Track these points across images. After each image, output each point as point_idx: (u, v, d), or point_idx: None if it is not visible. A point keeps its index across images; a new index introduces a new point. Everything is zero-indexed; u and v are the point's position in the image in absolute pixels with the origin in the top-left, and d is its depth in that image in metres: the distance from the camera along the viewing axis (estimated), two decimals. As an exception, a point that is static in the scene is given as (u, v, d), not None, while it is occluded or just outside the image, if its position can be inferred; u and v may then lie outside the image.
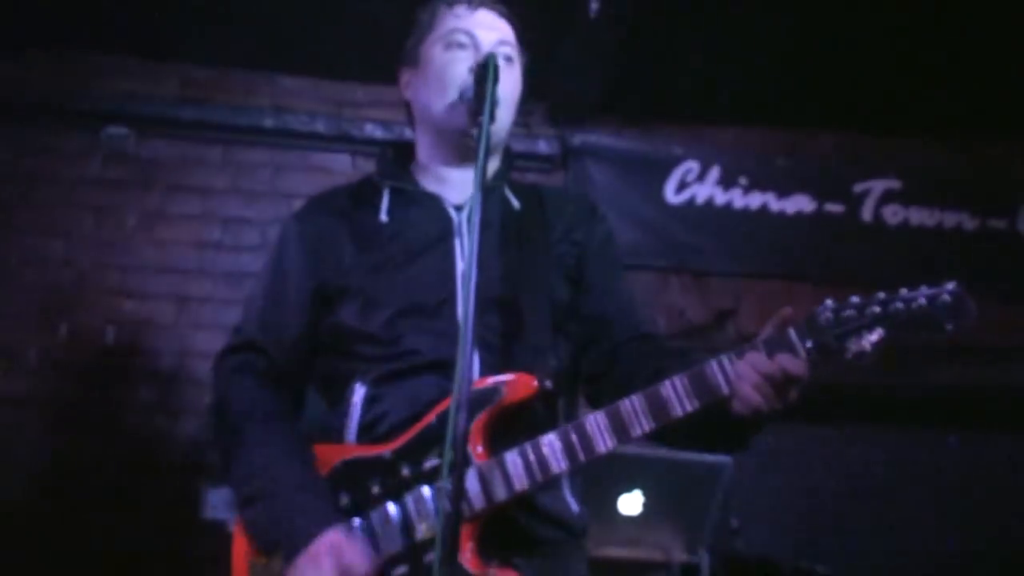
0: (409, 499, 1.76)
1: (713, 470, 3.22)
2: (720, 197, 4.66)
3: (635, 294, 2.07)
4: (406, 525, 1.75)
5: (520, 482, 1.71)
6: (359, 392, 1.87)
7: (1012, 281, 4.66)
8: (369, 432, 1.84)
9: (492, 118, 1.71)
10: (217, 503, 3.87)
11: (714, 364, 1.67)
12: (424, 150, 2.10)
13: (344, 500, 1.80)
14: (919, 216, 4.73)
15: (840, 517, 4.63)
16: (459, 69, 1.92)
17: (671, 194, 4.65)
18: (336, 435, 1.89)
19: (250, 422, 1.87)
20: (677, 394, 1.68)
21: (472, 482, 1.68)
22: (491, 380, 1.76)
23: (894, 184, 4.75)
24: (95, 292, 4.22)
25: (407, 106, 2.13)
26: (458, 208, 1.98)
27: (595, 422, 1.71)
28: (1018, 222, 4.78)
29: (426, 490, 1.75)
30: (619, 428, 1.70)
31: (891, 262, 4.41)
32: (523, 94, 2.09)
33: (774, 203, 4.69)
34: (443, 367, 1.79)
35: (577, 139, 4.59)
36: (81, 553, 3.89)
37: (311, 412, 2.04)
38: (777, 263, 4.60)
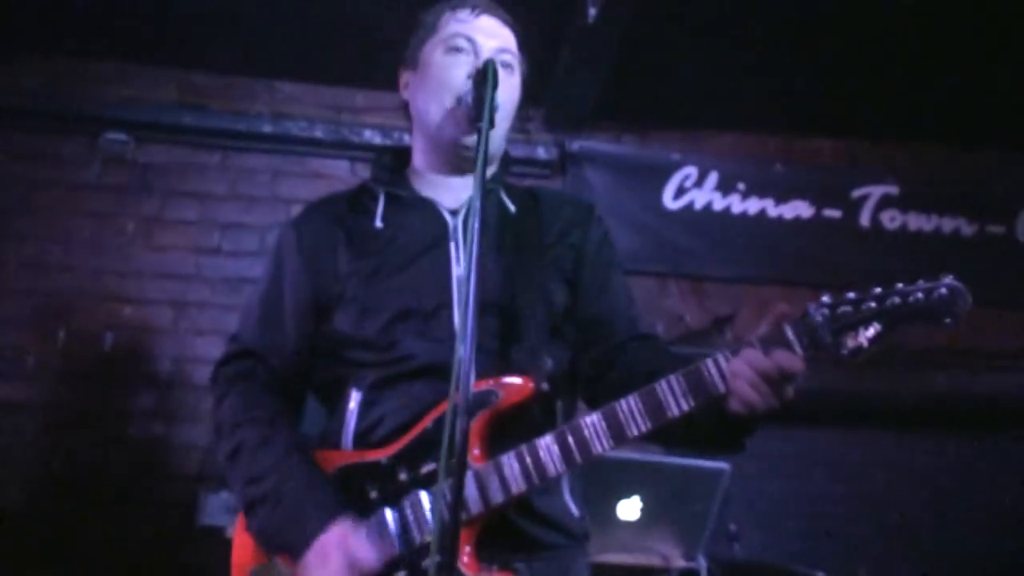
0: (406, 504, 1.76)
1: (712, 475, 3.21)
2: (718, 203, 4.67)
3: (633, 295, 2.06)
4: (404, 530, 1.74)
5: (517, 485, 1.70)
6: (355, 398, 1.88)
7: (1010, 286, 4.67)
8: (366, 438, 1.85)
9: (491, 124, 1.71)
10: (215, 509, 3.88)
11: (709, 362, 1.66)
12: (420, 153, 2.10)
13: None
14: (917, 221, 4.75)
15: (839, 522, 4.63)
16: (459, 74, 1.93)
17: (669, 200, 4.65)
18: (333, 441, 1.89)
19: (251, 427, 1.87)
20: (673, 394, 1.67)
21: (469, 486, 1.68)
22: (487, 383, 1.76)
23: (892, 189, 4.75)
24: (93, 297, 4.22)
25: (405, 108, 2.14)
26: (453, 213, 1.98)
27: (591, 423, 1.71)
28: (1016, 228, 4.79)
29: (423, 494, 1.75)
30: (615, 429, 1.70)
31: (889, 267, 4.41)
32: (521, 100, 2.09)
33: (772, 209, 4.69)
34: (439, 371, 1.79)
35: (575, 145, 4.60)
36: (79, 559, 3.88)
37: (309, 419, 2.05)
38: (776, 268, 4.60)
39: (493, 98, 1.72)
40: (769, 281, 4.52)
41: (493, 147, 1.86)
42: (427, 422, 1.79)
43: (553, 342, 1.91)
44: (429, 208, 2.00)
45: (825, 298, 1.65)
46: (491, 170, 2.06)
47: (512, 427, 1.77)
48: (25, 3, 3.96)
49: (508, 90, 1.98)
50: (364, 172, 4.36)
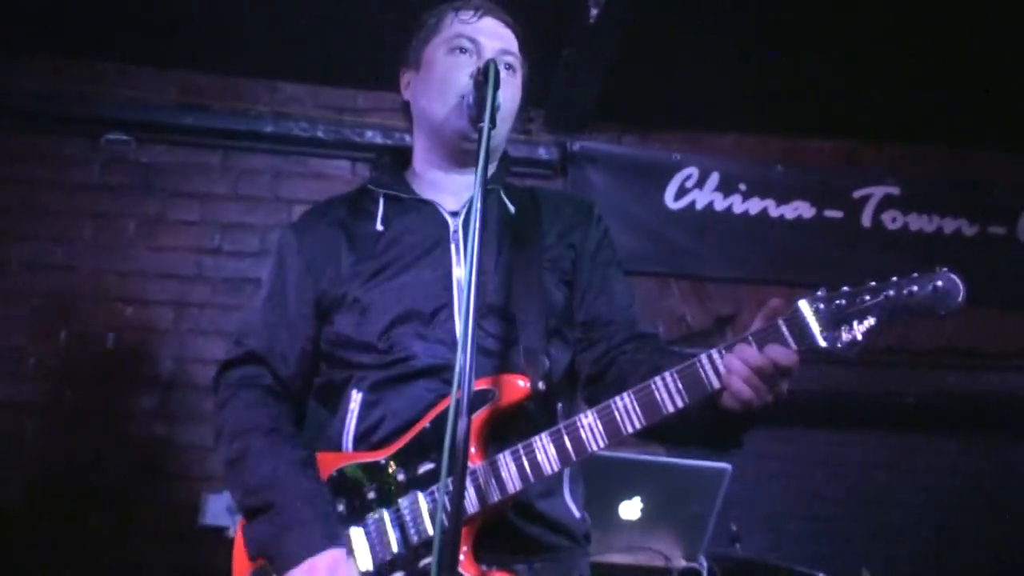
0: (404, 504, 1.76)
1: (713, 475, 3.21)
2: (720, 203, 4.67)
3: (632, 295, 2.07)
4: (402, 530, 1.75)
5: (513, 484, 1.71)
6: (356, 399, 1.89)
7: (1012, 288, 4.67)
8: (366, 439, 1.85)
9: (492, 124, 1.71)
10: (217, 509, 3.88)
11: (704, 359, 1.66)
12: (420, 154, 2.10)
13: (340, 507, 1.81)
14: (918, 222, 4.74)
15: (840, 523, 4.63)
16: (460, 74, 1.93)
17: (671, 200, 4.65)
18: (334, 443, 1.90)
19: (254, 436, 1.88)
20: (668, 391, 1.67)
21: (466, 485, 1.69)
22: (485, 383, 1.76)
23: (893, 190, 4.75)
24: (95, 298, 4.22)
25: (406, 108, 2.14)
26: (454, 214, 1.99)
27: (587, 421, 1.71)
28: (1017, 228, 4.79)
29: (421, 495, 1.75)
30: (611, 427, 1.70)
31: (890, 268, 4.40)
32: (523, 100, 2.10)
33: (773, 209, 4.69)
34: (439, 372, 1.81)
35: (576, 145, 4.59)
36: (79, 559, 3.88)
37: (311, 421, 2.05)
38: (777, 269, 4.60)
39: (495, 98, 1.72)
40: (770, 282, 4.51)
41: (494, 144, 1.88)
42: (425, 422, 1.79)
43: (553, 342, 1.92)
44: (430, 210, 2.01)
45: (820, 292, 1.64)
46: (491, 169, 2.06)
47: (510, 427, 1.77)
48: (26, 4, 3.96)
49: (510, 91, 1.99)
50: (365, 172, 4.36)
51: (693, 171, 4.66)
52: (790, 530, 4.56)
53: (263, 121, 4.45)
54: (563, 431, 1.72)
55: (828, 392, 4.39)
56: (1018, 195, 4.82)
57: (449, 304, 1.88)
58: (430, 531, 1.72)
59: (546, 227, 2.04)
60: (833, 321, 1.61)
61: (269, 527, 1.77)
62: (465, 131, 1.92)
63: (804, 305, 1.63)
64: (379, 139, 4.42)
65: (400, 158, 2.18)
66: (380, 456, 1.81)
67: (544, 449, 1.71)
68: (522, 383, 1.77)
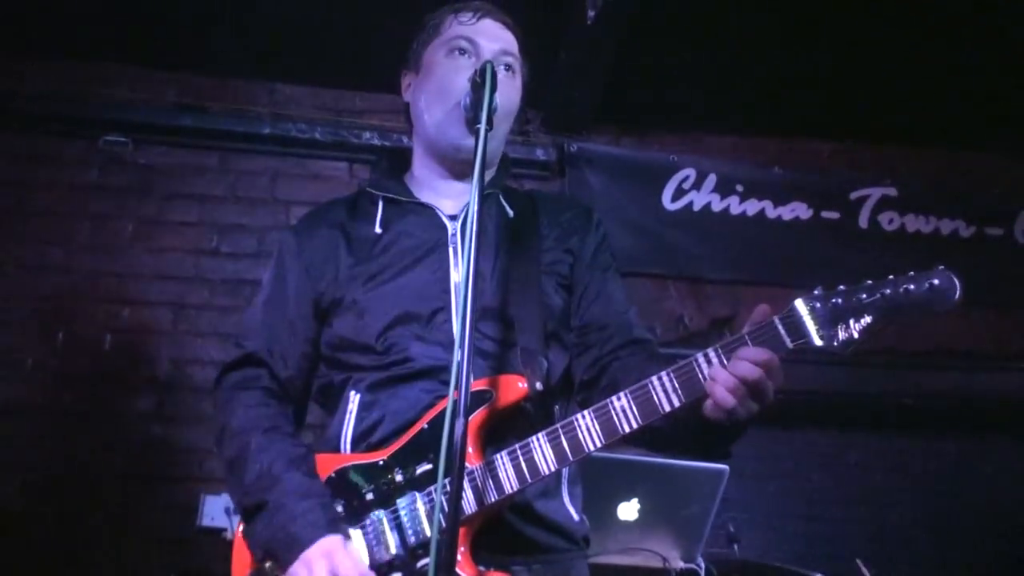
0: (402, 505, 1.76)
1: (711, 476, 3.21)
2: (717, 204, 4.67)
3: (629, 300, 2.07)
4: (400, 531, 1.75)
5: (510, 484, 1.71)
6: (354, 400, 1.89)
7: (1009, 289, 4.68)
8: (364, 440, 1.86)
9: (489, 125, 1.71)
10: (215, 510, 3.88)
11: (700, 358, 1.66)
12: (420, 157, 2.11)
13: (339, 508, 1.81)
14: (915, 223, 4.75)
15: (838, 524, 4.63)
16: (460, 76, 1.93)
17: (668, 201, 4.65)
18: (333, 444, 1.90)
19: (254, 436, 1.88)
20: (664, 390, 1.67)
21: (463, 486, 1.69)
22: (482, 383, 1.77)
23: (890, 191, 4.76)
24: (92, 299, 4.21)
25: (406, 110, 2.15)
26: (452, 218, 1.99)
27: (584, 421, 1.71)
28: (1014, 229, 4.80)
29: (419, 496, 1.76)
30: (607, 426, 1.69)
31: (887, 269, 4.40)
32: (521, 102, 2.10)
33: (771, 210, 4.70)
34: (436, 373, 1.81)
35: (574, 147, 4.60)
36: (79, 561, 3.88)
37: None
38: (774, 270, 4.60)
39: (491, 100, 1.72)
40: (768, 283, 4.52)
41: (492, 149, 1.88)
42: (423, 423, 1.79)
43: (550, 346, 1.92)
44: (428, 213, 2.01)
45: (816, 291, 1.64)
46: (490, 173, 2.07)
47: (508, 428, 1.78)
48: (25, 6, 3.96)
49: (509, 92, 2.00)
50: (363, 174, 4.37)
51: (691, 172, 4.67)
52: (788, 531, 4.56)
53: (261, 123, 4.45)
54: (560, 431, 1.72)
55: (826, 393, 4.40)
56: (1015, 196, 4.83)
57: (447, 307, 1.89)
58: (428, 532, 1.72)
59: (544, 231, 2.04)
60: (829, 319, 1.61)
61: (268, 525, 1.78)
62: (460, 144, 1.93)
63: (800, 304, 1.63)
64: (377, 141, 4.42)
65: (399, 161, 2.18)
66: (378, 457, 1.81)
67: (541, 449, 1.71)
68: (520, 384, 1.77)
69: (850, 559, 3.66)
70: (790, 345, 1.62)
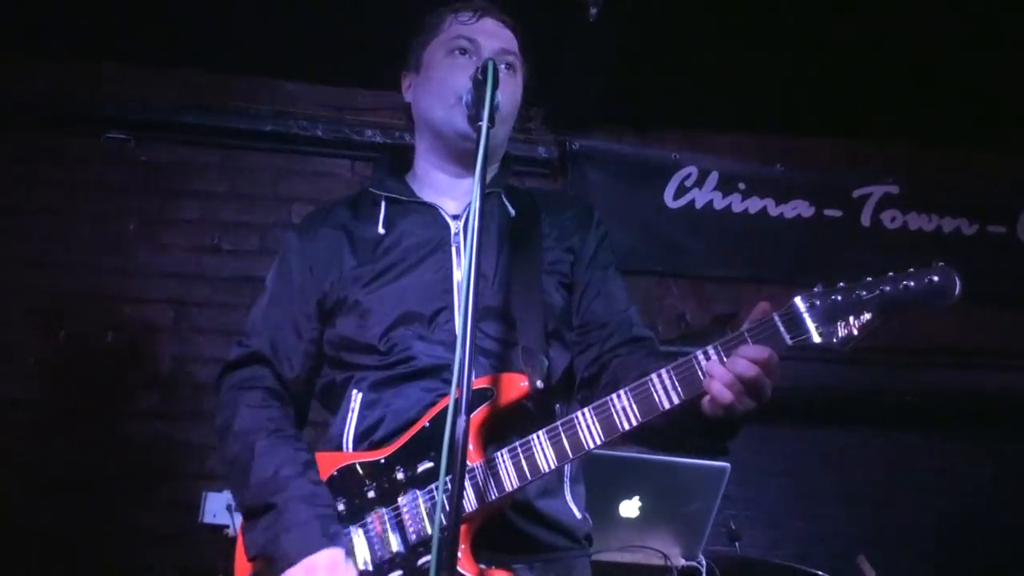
0: (403, 503, 1.77)
1: (712, 474, 3.21)
2: (719, 202, 4.67)
3: (630, 298, 2.07)
4: (401, 529, 1.76)
5: (511, 482, 1.71)
6: (356, 398, 1.90)
7: (1011, 286, 4.67)
8: (366, 438, 1.86)
9: (491, 122, 1.71)
10: (216, 508, 3.88)
11: (699, 355, 1.66)
12: (422, 156, 2.11)
13: (340, 506, 1.82)
14: (918, 221, 4.75)
15: (839, 522, 4.63)
16: (460, 76, 1.93)
17: (670, 199, 4.65)
18: (335, 442, 1.91)
19: (259, 438, 1.88)
20: (664, 387, 1.67)
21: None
22: (484, 381, 1.77)
23: (893, 189, 4.75)
24: (94, 296, 4.22)
25: (407, 109, 2.15)
26: (455, 217, 2.00)
27: (583, 419, 1.71)
28: (1017, 227, 4.79)
29: (420, 493, 1.76)
30: (607, 423, 1.70)
31: (889, 267, 4.39)
32: (522, 100, 2.10)
33: (773, 208, 4.69)
34: (438, 371, 1.82)
35: (576, 144, 4.60)
36: (79, 558, 3.89)
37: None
38: (776, 268, 4.60)
39: (493, 97, 1.72)
40: (769, 281, 4.52)
41: (494, 146, 1.89)
42: (424, 421, 1.80)
43: (551, 345, 1.92)
44: (431, 212, 2.02)
45: (816, 288, 1.64)
46: (493, 171, 2.07)
47: (509, 426, 1.78)
48: (27, 4, 3.96)
49: (509, 90, 2.00)
50: (365, 171, 4.37)
51: (692, 170, 4.66)
52: (789, 529, 4.56)
53: (263, 120, 4.45)
54: (560, 429, 1.72)
55: (828, 390, 4.40)
56: (1018, 194, 4.82)
57: (449, 306, 1.89)
58: (429, 530, 1.73)
59: (546, 230, 2.05)
60: (829, 316, 1.61)
61: (269, 529, 1.78)
62: (465, 131, 1.92)
63: (799, 301, 1.63)
64: (379, 138, 4.42)
65: (401, 160, 2.19)
66: (379, 455, 1.82)
67: (541, 447, 1.71)
68: (521, 382, 1.78)
69: (851, 557, 3.67)
70: (789, 342, 1.62)
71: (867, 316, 1.60)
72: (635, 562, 3.18)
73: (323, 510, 1.79)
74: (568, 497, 1.90)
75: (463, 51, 2.00)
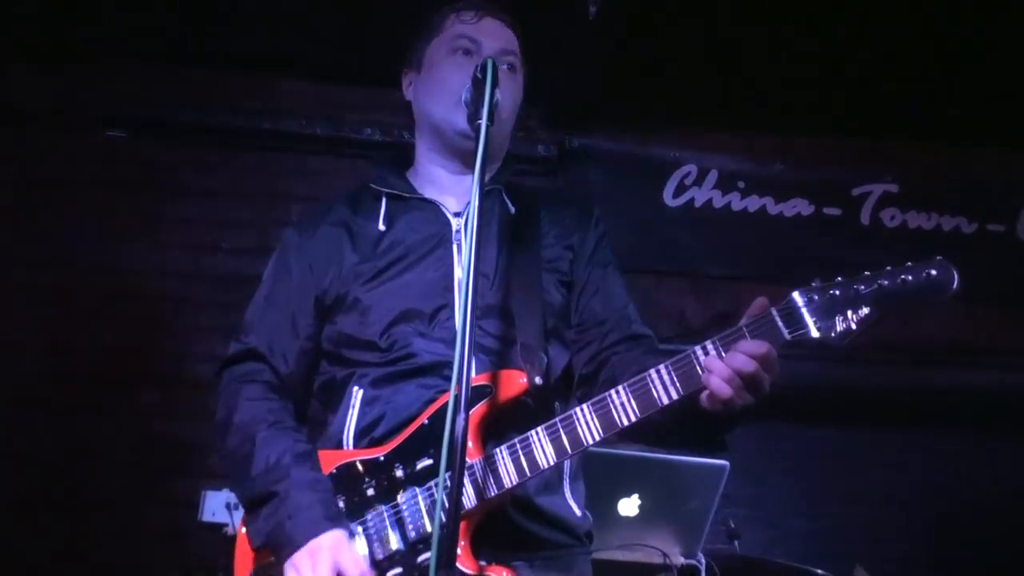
0: (403, 500, 1.77)
1: (712, 472, 3.21)
2: (718, 200, 4.67)
3: (629, 296, 2.07)
4: (400, 526, 1.76)
5: (510, 478, 1.71)
6: (356, 395, 1.90)
7: (1011, 284, 4.67)
8: (366, 435, 1.86)
9: (490, 120, 1.71)
10: (215, 506, 3.88)
11: (698, 350, 1.66)
12: (423, 154, 2.11)
13: (340, 504, 1.81)
14: (917, 219, 4.75)
15: (839, 520, 4.63)
16: (462, 75, 1.92)
17: (669, 197, 4.65)
18: (335, 440, 1.91)
19: (260, 429, 1.88)
20: (663, 383, 1.67)
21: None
22: (483, 378, 1.77)
23: (892, 188, 4.75)
24: (93, 295, 4.22)
25: (408, 107, 2.15)
26: (456, 214, 2.00)
27: (582, 415, 1.71)
28: (1016, 226, 4.79)
29: (419, 490, 1.76)
30: (606, 420, 1.70)
31: (889, 265, 4.39)
32: (523, 100, 2.10)
33: (772, 206, 4.70)
34: (439, 369, 1.82)
35: (576, 142, 4.60)
36: (79, 556, 3.89)
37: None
38: (776, 266, 4.60)
39: (493, 95, 1.72)
40: (769, 279, 4.51)
41: (496, 145, 1.90)
42: (424, 418, 1.80)
43: (550, 342, 1.92)
44: (432, 209, 2.02)
45: (815, 283, 1.64)
46: (493, 170, 2.07)
47: (508, 422, 1.78)
48: (26, 3, 3.96)
49: (510, 91, 2.00)
50: (364, 169, 4.34)
51: (692, 168, 4.67)
52: (788, 527, 4.56)
53: (261, 118, 4.45)
54: (559, 425, 1.72)
55: (827, 389, 4.39)
56: (1017, 193, 4.82)
57: (450, 304, 1.89)
58: (428, 527, 1.73)
59: (546, 228, 2.05)
60: (827, 311, 1.61)
61: (272, 517, 1.78)
62: (465, 131, 1.92)
63: (797, 295, 1.64)
64: (378, 136, 4.42)
65: (402, 156, 2.19)
66: (379, 453, 1.82)
67: (540, 443, 1.72)
68: (520, 379, 1.78)
69: (850, 555, 3.67)
70: (788, 337, 1.62)
71: (865, 310, 1.60)
72: (634, 560, 3.18)
73: (324, 495, 1.79)
74: (568, 494, 1.90)
75: (465, 51, 2.00)
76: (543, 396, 1.84)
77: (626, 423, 1.69)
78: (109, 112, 4.37)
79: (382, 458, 1.81)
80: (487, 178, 1.96)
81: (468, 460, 1.70)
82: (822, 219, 4.72)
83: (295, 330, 1.99)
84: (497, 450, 1.73)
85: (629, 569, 3.16)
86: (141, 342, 4.22)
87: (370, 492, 1.80)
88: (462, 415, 1.47)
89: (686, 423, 1.73)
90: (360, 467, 1.82)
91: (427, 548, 1.68)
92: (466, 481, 1.68)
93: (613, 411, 1.69)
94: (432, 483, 1.75)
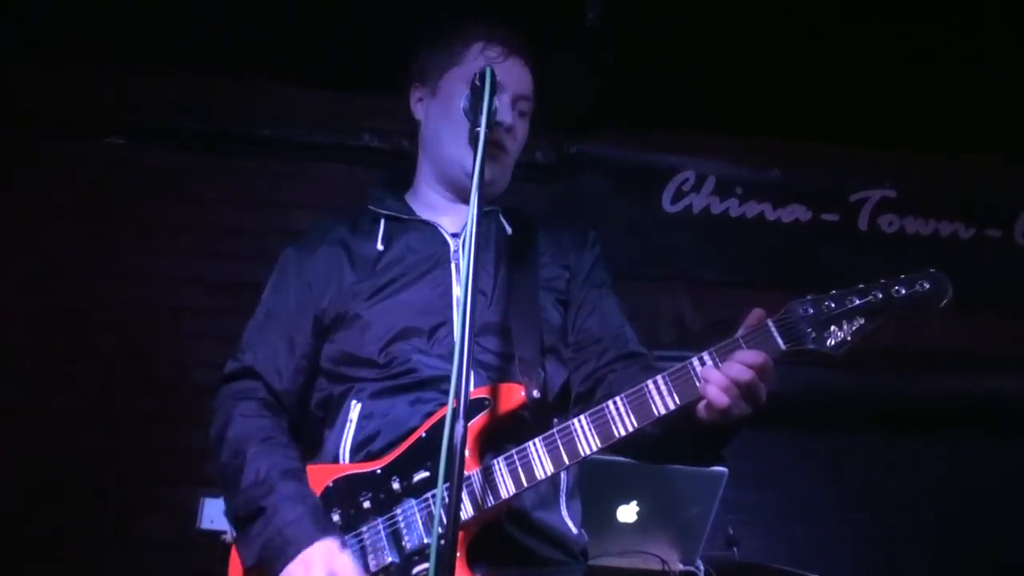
0: (399, 512, 1.77)
1: (710, 479, 3.21)
2: (716, 206, 4.67)
3: (624, 316, 2.09)
4: (396, 539, 1.76)
5: (506, 489, 1.72)
6: (354, 409, 1.91)
7: (1009, 290, 4.68)
8: (363, 449, 1.87)
9: (489, 128, 1.71)
10: (214, 513, 3.87)
11: (695, 361, 1.68)
12: (423, 178, 2.14)
13: (336, 517, 1.82)
14: (915, 225, 4.75)
15: (837, 526, 4.63)
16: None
17: (668, 203, 4.65)
18: (331, 455, 1.91)
19: (251, 444, 1.89)
20: (660, 393, 1.69)
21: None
22: (481, 391, 1.78)
23: (890, 193, 4.76)
24: (92, 301, 4.22)
25: (412, 120, 2.16)
26: (454, 235, 2.02)
27: (580, 425, 1.73)
28: (1014, 231, 4.79)
29: (415, 503, 1.77)
30: (603, 430, 1.71)
31: (887, 271, 4.39)
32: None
33: (770, 213, 4.70)
34: (437, 383, 1.84)
35: (574, 148, 4.60)
36: (77, 563, 3.88)
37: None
38: (774, 272, 4.60)
39: (491, 103, 1.72)
40: (767, 285, 4.52)
41: (497, 188, 2.01)
42: (421, 432, 1.81)
43: (548, 358, 1.94)
44: (430, 230, 2.04)
45: (810, 295, 1.67)
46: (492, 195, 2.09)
47: (506, 435, 1.79)
48: (23, 7, 3.96)
49: (520, 137, 2.06)
50: (363, 177, 4.37)
51: (690, 174, 4.67)
52: (788, 534, 4.56)
53: (260, 125, 4.45)
54: (557, 436, 1.73)
55: (826, 395, 4.39)
56: (1015, 198, 4.83)
57: (448, 321, 1.91)
58: (424, 538, 1.73)
59: (543, 248, 2.07)
60: (822, 322, 1.65)
61: (261, 534, 1.78)
62: (472, 166, 1.92)
63: (793, 306, 1.67)
64: (376, 143, 4.43)
65: (400, 178, 2.21)
66: (375, 466, 1.83)
67: (538, 454, 1.73)
68: (519, 392, 1.79)
69: (849, 561, 3.67)
70: (784, 347, 1.65)
71: (860, 321, 1.65)
72: (633, 567, 3.18)
73: (312, 507, 1.80)
74: (564, 511, 1.91)
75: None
76: (541, 410, 1.85)
77: (623, 433, 1.70)
78: (108, 119, 4.37)
79: (379, 471, 1.81)
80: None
81: (465, 472, 1.70)
82: (820, 225, 4.72)
83: (292, 348, 2.01)
84: (494, 461, 1.74)
85: (628, 576, 3.16)
86: (139, 348, 4.21)
87: (366, 505, 1.80)
88: (460, 423, 1.47)
89: (683, 436, 1.75)
90: (356, 481, 1.83)
91: (422, 560, 1.71)
92: (463, 492, 1.68)
93: (610, 421, 1.70)
94: (428, 495, 1.75)
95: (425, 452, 1.77)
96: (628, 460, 3.09)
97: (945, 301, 1.63)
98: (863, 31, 3.96)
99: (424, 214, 2.07)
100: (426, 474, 1.77)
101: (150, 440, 4.08)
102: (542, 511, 1.85)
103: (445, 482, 1.47)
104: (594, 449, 1.71)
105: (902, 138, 4.72)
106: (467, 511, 1.70)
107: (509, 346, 1.89)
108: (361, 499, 1.81)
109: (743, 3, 3.87)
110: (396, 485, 1.79)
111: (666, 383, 1.68)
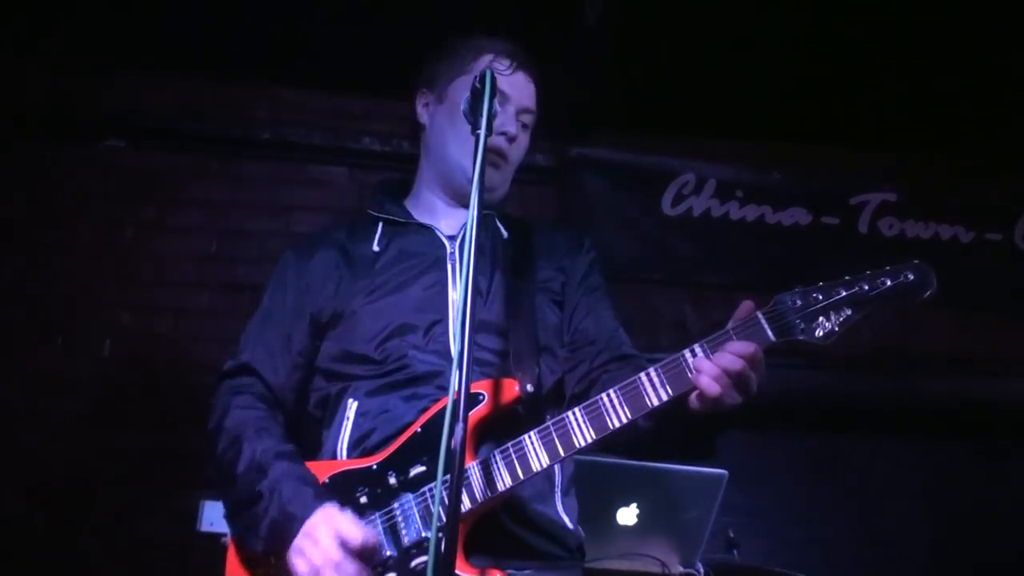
0: (396, 507, 1.79)
1: (710, 481, 3.21)
2: (717, 209, 4.68)
3: (618, 320, 2.12)
4: (393, 533, 1.77)
5: (503, 482, 1.74)
6: (351, 407, 1.93)
7: (1008, 293, 4.68)
8: (359, 445, 1.89)
9: (488, 131, 1.72)
10: (214, 516, 3.87)
11: (687, 353, 1.72)
12: (424, 181, 2.17)
13: None
14: (915, 228, 4.75)
15: (837, 529, 4.63)
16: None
17: (668, 206, 4.66)
18: (329, 452, 1.93)
19: (246, 432, 1.92)
20: (653, 385, 1.72)
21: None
22: (476, 386, 1.80)
23: (890, 196, 4.76)
24: (92, 304, 4.22)
25: (416, 123, 2.20)
26: (451, 238, 2.06)
27: (574, 417, 1.75)
28: (1014, 235, 4.80)
29: (412, 497, 1.78)
30: (598, 421, 1.74)
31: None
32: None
33: (770, 216, 4.70)
34: (432, 379, 1.87)
35: (574, 151, 4.60)
36: (77, 566, 3.88)
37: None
38: (774, 275, 4.59)
39: (491, 106, 1.74)
40: (767, 288, 4.49)
41: (496, 197, 2.05)
42: (417, 426, 1.83)
43: (542, 356, 1.97)
44: (427, 233, 2.08)
45: (797, 287, 1.73)
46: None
47: (502, 430, 1.81)
48: (25, 10, 3.97)
49: (521, 147, 2.10)
50: (363, 179, 4.38)
51: (690, 177, 4.67)
52: (787, 537, 4.56)
53: (261, 127, 4.46)
54: (551, 428, 1.76)
55: (826, 398, 4.40)
56: (1015, 202, 4.83)
57: (444, 319, 1.94)
58: (422, 532, 1.75)
59: (538, 251, 2.11)
60: (810, 313, 1.71)
61: (264, 512, 1.78)
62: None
63: (782, 299, 1.72)
64: (376, 146, 4.43)
65: (399, 185, 2.25)
66: (372, 462, 1.84)
67: (533, 446, 1.75)
68: (513, 386, 1.82)
69: (849, 565, 3.66)
70: (773, 338, 1.70)
71: (847, 312, 1.71)
72: (633, 570, 3.18)
73: (307, 480, 1.82)
74: (560, 507, 1.93)
75: None
76: (535, 404, 1.88)
77: (617, 425, 1.73)
78: (109, 121, 4.37)
79: (375, 467, 1.83)
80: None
81: (463, 466, 1.72)
82: (820, 228, 4.72)
83: (288, 346, 2.04)
84: (491, 455, 1.76)
85: (627, 578, 3.16)
86: (140, 351, 4.21)
87: (363, 500, 1.82)
88: (460, 424, 1.48)
89: (676, 428, 1.77)
90: (352, 476, 1.84)
91: (420, 553, 1.72)
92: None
93: (604, 413, 1.73)
94: (425, 488, 1.77)
95: (421, 447, 1.79)
96: (627, 462, 3.13)
97: (929, 292, 1.68)
98: (864, 33, 3.96)
99: (422, 218, 2.11)
100: (422, 468, 1.79)
101: (150, 443, 4.08)
102: (539, 506, 1.87)
103: (444, 479, 1.47)
104: (589, 441, 1.74)
105: (902, 141, 4.72)
106: (464, 504, 1.72)
107: (504, 343, 1.92)
108: (358, 494, 1.82)
109: (743, 5, 3.87)
110: (392, 480, 1.81)
111: (659, 375, 1.72)
